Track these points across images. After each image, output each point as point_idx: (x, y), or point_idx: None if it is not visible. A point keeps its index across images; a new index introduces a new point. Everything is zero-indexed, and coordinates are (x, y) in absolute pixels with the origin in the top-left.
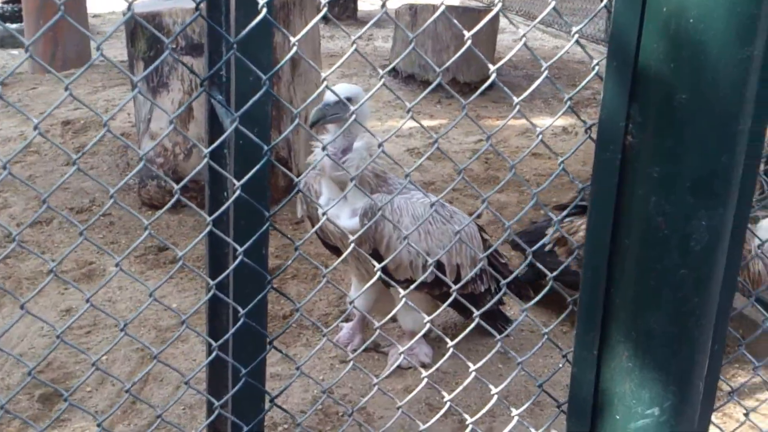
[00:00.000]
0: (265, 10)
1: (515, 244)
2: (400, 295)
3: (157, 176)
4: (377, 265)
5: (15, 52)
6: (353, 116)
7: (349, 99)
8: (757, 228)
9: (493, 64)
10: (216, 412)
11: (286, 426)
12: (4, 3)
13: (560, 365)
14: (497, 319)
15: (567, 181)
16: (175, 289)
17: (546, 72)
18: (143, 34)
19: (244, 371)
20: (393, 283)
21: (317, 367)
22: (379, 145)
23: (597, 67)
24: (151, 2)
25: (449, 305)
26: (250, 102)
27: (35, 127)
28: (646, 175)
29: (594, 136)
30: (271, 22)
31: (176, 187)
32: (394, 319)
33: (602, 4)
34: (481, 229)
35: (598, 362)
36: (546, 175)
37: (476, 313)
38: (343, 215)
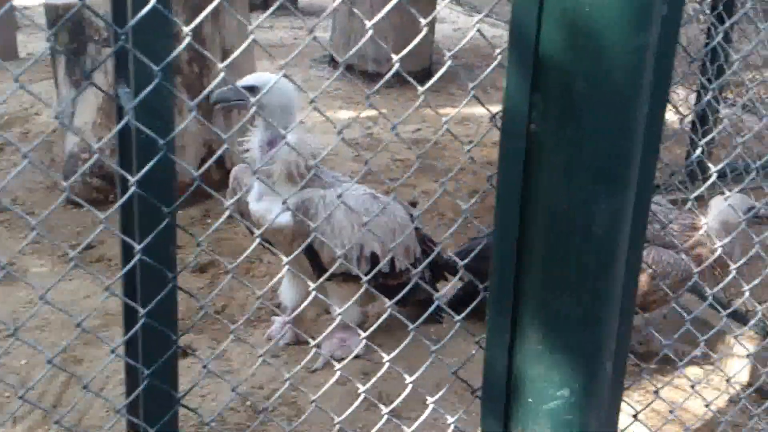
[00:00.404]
0: (153, 1)
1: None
2: (329, 290)
3: (83, 172)
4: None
5: None
6: (270, 105)
7: (253, 88)
8: (708, 207)
9: (432, 54)
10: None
11: (214, 424)
12: None
13: (473, 351)
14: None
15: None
16: (100, 288)
17: (499, 57)
18: (65, 26)
19: (146, 372)
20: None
21: (248, 362)
22: (284, 139)
23: (499, 57)
24: None
25: (384, 295)
26: (142, 94)
27: None
28: (550, 162)
29: (500, 125)
30: (161, 12)
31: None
32: (328, 311)
33: None
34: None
35: (511, 346)
36: (482, 164)
37: (389, 302)
38: (275, 210)
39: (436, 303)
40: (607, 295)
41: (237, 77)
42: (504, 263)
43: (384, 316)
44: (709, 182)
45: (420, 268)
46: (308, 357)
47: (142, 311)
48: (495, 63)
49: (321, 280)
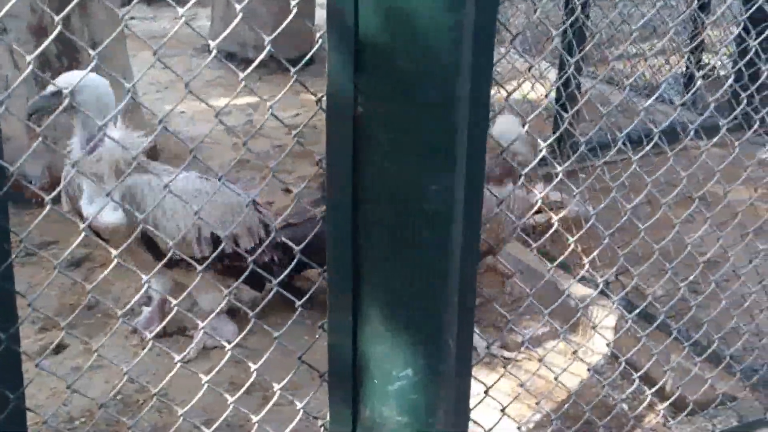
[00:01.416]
0: None
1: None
2: (197, 273)
3: None
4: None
5: None
6: (85, 104)
7: (60, 92)
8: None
9: (311, 38)
10: None
11: (83, 419)
12: None
13: (317, 336)
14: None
15: None
16: None
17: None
18: None
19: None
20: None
21: (120, 355)
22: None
23: (320, 40)
24: None
25: (238, 278)
26: None
27: None
28: (378, 142)
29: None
30: None
31: None
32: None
33: None
34: (259, 204)
35: (354, 328)
36: None
37: (274, 282)
38: (106, 210)
39: (274, 288)
40: (444, 272)
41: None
42: (341, 245)
43: (225, 299)
44: (576, 155)
45: (261, 248)
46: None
47: None
48: (316, 47)
49: (155, 270)
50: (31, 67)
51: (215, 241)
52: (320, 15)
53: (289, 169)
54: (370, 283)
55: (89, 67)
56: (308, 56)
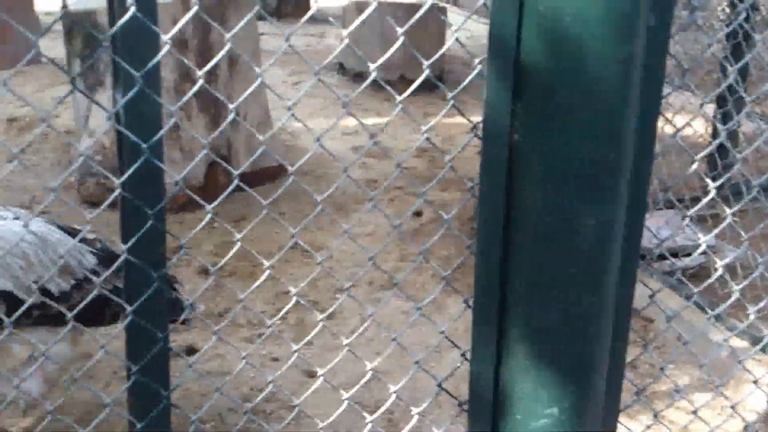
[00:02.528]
0: (133, 8)
1: None
2: None
3: (97, 173)
4: None
5: None
6: None
7: None
8: None
9: (442, 60)
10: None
11: (212, 423)
12: None
13: (459, 364)
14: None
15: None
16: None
17: (479, 67)
18: (79, 31)
19: (134, 368)
20: None
21: (249, 364)
22: None
23: (479, 67)
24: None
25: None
26: (123, 100)
27: None
28: (533, 172)
29: (481, 134)
30: (141, 19)
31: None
32: None
33: (480, 2)
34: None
35: (498, 360)
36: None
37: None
38: None
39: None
40: (596, 310)
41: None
42: (488, 275)
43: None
44: (706, 199)
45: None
46: (293, 358)
47: (128, 308)
48: (474, 72)
49: None
50: (173, 77)
51: (8, 296)
52: (449, 35)
53: (418, 191)
54: (516, 316)
55: (197, 85)
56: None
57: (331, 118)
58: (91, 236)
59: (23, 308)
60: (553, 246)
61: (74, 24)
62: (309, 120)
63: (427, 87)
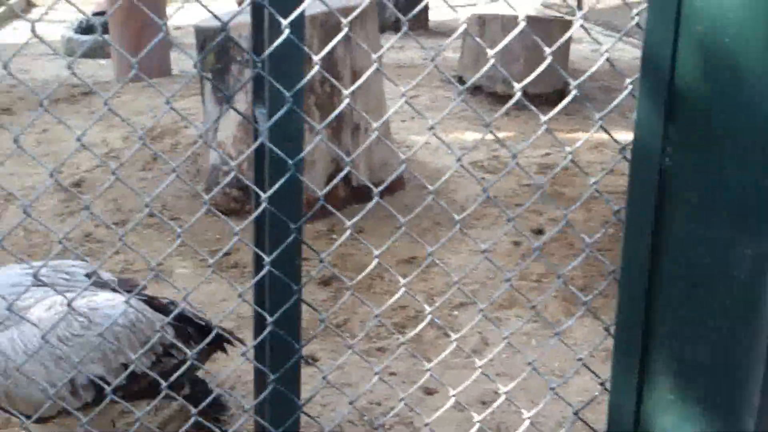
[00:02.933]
0: (287, 31)
1: None
2: None
3: (223, 184)
4: None
5: (103, 61)
6: None
7: None
8: None
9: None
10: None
11: None
12: (93, 14)
13: (596, 392)
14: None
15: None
16: (235, 293)
17: (630, 87)
18: (212, 47)
19: (272, 377)
20: None
21: (366, 377)
22: None
23: (630, 86)
24: (225, 17)
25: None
26: (275, 118)
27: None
28: (685, 199)
29: (629, 156)
30: (295, 42)
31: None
32: None
33: (633, 22)
34: (154, 299)
35: (639, 392)
36: (619, 193)
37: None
38: None
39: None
40: (748, 346)
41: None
42: (632, 303)
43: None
44: None
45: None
46: (424, 378)
47: (269, 319)
48: (625, 93)
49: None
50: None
51: (98, 380)
52: (576, 49)
53: (540, 209)
54: (662, 348)
55: (343, 103)
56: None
57: (449, 132)
58: (164, 300)
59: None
60: (706, 277)
61: (207, 39)
62: (426, 134)
63: (550, 102)
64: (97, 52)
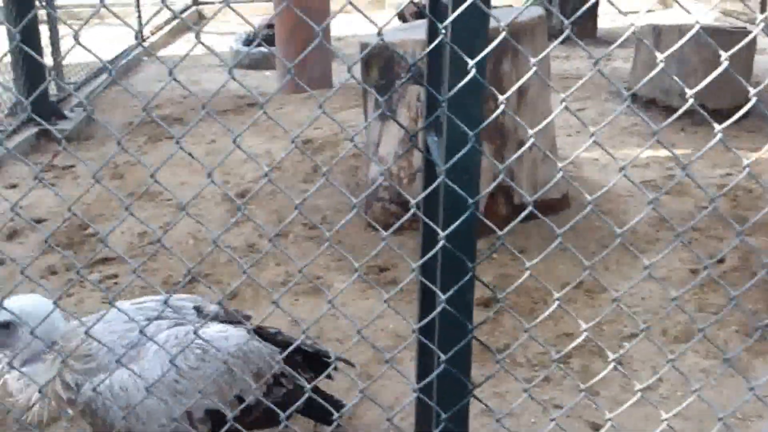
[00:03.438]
0: (474, 71)
1: None
2: None
3: (382, 198)
4: None
5: (268, 73)
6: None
7: (8, 324)
8: None
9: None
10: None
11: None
12: (261, 27)
13: None
14: (322, 411)
15: None
16: (391, 310)
17: None
18: (376, 62)
19: (444, 416)
20: None
21: (530, 408)
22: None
23: None
24: (390, 33)
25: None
26: (456, 157)
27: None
28: None
29: None
30: (481, 82)
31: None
32: None
33: None
34: (263, 329)
35: None
36: None
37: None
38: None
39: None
40: None
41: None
42: None
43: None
44: None
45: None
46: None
47: (443, 356)
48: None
49: None
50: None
51: (212, 414)
52: (762, 60)
53: (721, 234)
54: None
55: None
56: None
57: (619, 149)
58: (271, 330)
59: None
60: None
61: (372, 55)
62: (593, 149)
63: (731, 117)
64: (262, 63)
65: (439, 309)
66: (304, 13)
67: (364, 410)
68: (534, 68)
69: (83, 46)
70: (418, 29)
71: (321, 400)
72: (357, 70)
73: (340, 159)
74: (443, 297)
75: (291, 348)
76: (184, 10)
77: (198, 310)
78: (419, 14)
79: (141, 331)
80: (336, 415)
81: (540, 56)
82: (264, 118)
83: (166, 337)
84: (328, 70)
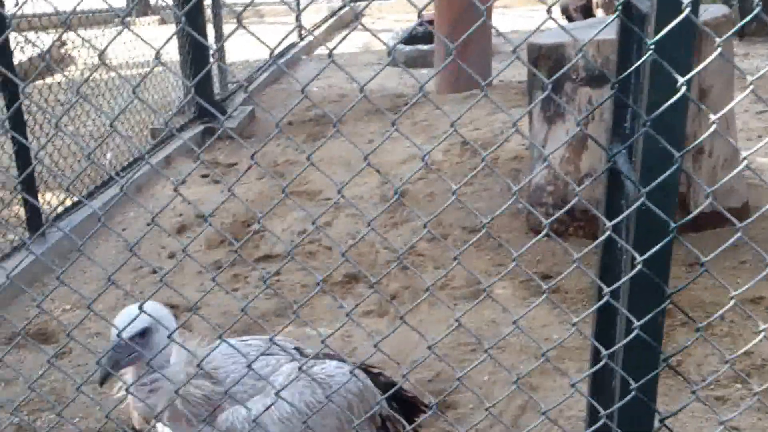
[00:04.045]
0: (684, 89)
1: None
2: None
3: (545, 203)
4: None
5: (424, 71)
6: (160, 341)
7: (146, 331)
8: None
9: None
10: (600, 421)
11: None
12: (419, 24)
13: None
14: None
15: None
16: (557, 320)
17: None
18: (544, 63)
19: (634, 384)
20: None
21: (704, 429)
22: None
23: None
24: (557, 33)
25: None
26: (657, 180)
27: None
28: None
29: None
30: (690, 98)
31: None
32: None
33: None
34: (368, 368)
35: None
36: None
37: None
38: None
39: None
40: None
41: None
42: None
43: None
44: None
45: None
46: None
47: (636, 322)
48: None
49: None
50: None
51: None
52: None
53: None
54: None
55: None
56: None
57: None
58: (375, 370)
59: None
60: None
61: (540, 56)
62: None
63: None
64: (419, 61)
65: (632, 335)
66: (466, 9)
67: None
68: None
69: (249, 31)
70: (590, 29)
71: None
72: (517, 65)
73: (499, 162)
74: (637, 323)
75: (392, 390)
76: (341, 8)
77: (299, 350)
78: (586, 9)
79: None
80: None
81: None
82: (421, 118)
83: (289, 370)
84: (486, 68)
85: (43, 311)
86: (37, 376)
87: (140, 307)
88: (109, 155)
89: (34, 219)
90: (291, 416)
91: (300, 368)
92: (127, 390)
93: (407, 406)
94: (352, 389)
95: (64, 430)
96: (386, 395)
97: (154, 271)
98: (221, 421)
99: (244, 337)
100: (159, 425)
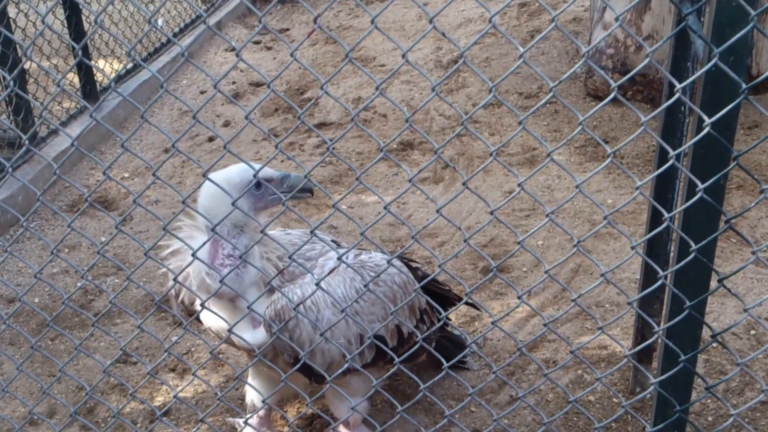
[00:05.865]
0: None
1: None
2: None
3: (604, 67)
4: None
5: None
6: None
7: (259, 184)
8: None
9: None
10: (658, 282)
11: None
12: None
13: None
14: (450, 350)
15: None
16: (612, 185)
17: None
18: None
19: (694, 246)
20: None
21: None
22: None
23: None
24: None
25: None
26: (732, 39)
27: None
28: None
29: None
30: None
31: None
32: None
33: None
34: (408, 262)
35: None
36: None
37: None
38: (243, 327)
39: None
40: None
41: None
42: None
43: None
44: None
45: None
46: None
47: (693, 246)
48: None
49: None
50: None
51: (379, 339)
52: None
53: None
54: None
55: None
56: None
57: None
58: (413, 265)
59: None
60: None
61: None
62: None
63: None
64: None
65: (696, 198)
66: None
67: (580, 280)
68: None
69: None
70: None
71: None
72: None
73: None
74: (701, 185)
75: (427, 281)
76: None
77: (336, 243)
78: None
79: (339, 258)
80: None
81: None
82: None
83: (335, 256)
84: None
85: (109, 178)
86: (99, 242)
87: (253, 169)
88: (160, 21)
89: (89, 87)
90: (342, 300)
91: (340, 258)
92: (210, 266)
93: (440, 300)
94: (398, 281)
95: (129, 293)
96: (422, 284)
97: (210, 139)
98: (274, 301)
99: (285, 229)
100: (204, 313)
